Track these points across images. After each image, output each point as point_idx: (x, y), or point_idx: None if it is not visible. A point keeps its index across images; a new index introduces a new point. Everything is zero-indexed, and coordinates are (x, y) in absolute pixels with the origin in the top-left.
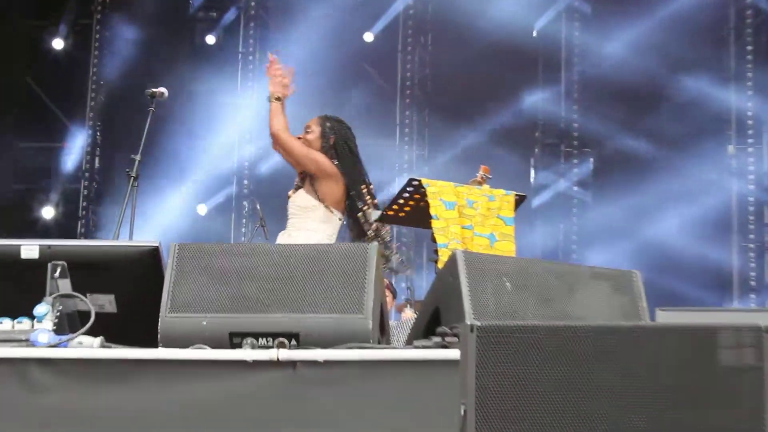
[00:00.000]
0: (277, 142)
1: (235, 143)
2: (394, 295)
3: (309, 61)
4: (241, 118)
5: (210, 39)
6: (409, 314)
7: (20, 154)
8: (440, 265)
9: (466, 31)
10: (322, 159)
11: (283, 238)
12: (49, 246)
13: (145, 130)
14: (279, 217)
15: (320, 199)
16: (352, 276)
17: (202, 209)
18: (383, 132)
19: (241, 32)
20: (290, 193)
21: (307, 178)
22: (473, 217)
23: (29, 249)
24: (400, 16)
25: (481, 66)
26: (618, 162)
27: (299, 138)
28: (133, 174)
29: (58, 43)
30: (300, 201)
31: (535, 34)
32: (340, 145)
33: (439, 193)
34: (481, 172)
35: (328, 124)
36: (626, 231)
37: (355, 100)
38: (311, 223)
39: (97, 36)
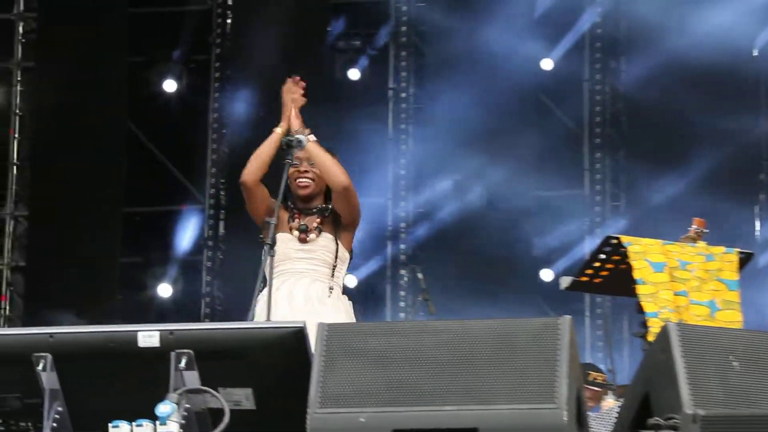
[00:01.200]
0: (349, 195)
1: (388, 199)
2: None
3: (474, 95)
4: (394, 169)
5: (353, 74)
6: (610, 403)
7: (127, 221)
8: (650, 338)
9: (669, 53)
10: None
11: (318, 292)
12: (171, 331)
13: (281, 188)
14: (444, 287)
15: (350, 251)
16: (541, 357)
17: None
18: (568, 180)
19: (391, 64)
20: (311, 236)
21: (330, 222)
22: (688, 282)
23: (148, 336)
24: (585, 38)
25: (688, 95)
26: None
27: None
28: (269, 241)
29: (169, 85)
30: (339, 250)
31: (755, 53)
32: None
33: (645, 253)
34: (694, 227)
35: None
36: None
37: (531, 141)
38: (341, 278)
39: (217, 75)
